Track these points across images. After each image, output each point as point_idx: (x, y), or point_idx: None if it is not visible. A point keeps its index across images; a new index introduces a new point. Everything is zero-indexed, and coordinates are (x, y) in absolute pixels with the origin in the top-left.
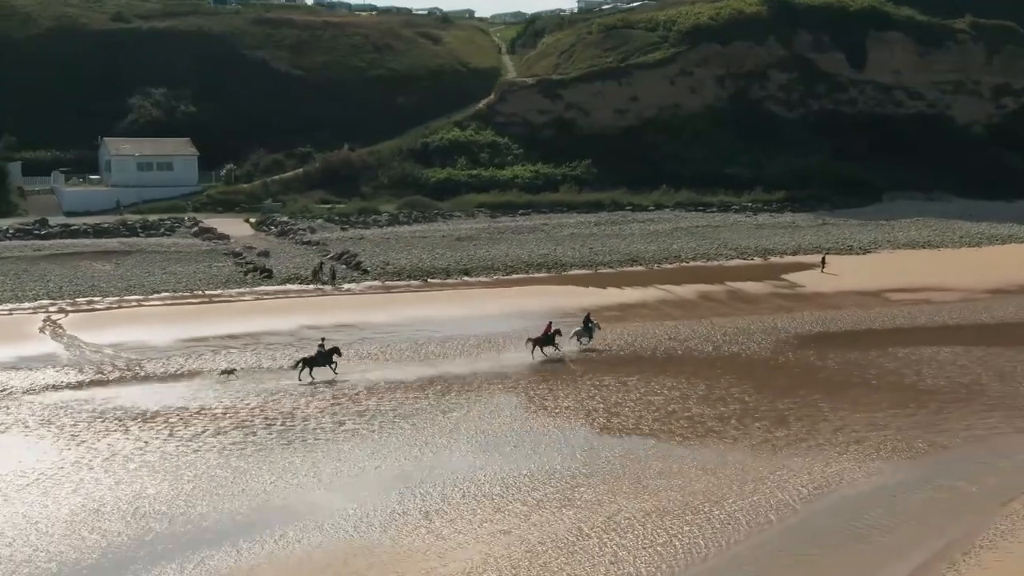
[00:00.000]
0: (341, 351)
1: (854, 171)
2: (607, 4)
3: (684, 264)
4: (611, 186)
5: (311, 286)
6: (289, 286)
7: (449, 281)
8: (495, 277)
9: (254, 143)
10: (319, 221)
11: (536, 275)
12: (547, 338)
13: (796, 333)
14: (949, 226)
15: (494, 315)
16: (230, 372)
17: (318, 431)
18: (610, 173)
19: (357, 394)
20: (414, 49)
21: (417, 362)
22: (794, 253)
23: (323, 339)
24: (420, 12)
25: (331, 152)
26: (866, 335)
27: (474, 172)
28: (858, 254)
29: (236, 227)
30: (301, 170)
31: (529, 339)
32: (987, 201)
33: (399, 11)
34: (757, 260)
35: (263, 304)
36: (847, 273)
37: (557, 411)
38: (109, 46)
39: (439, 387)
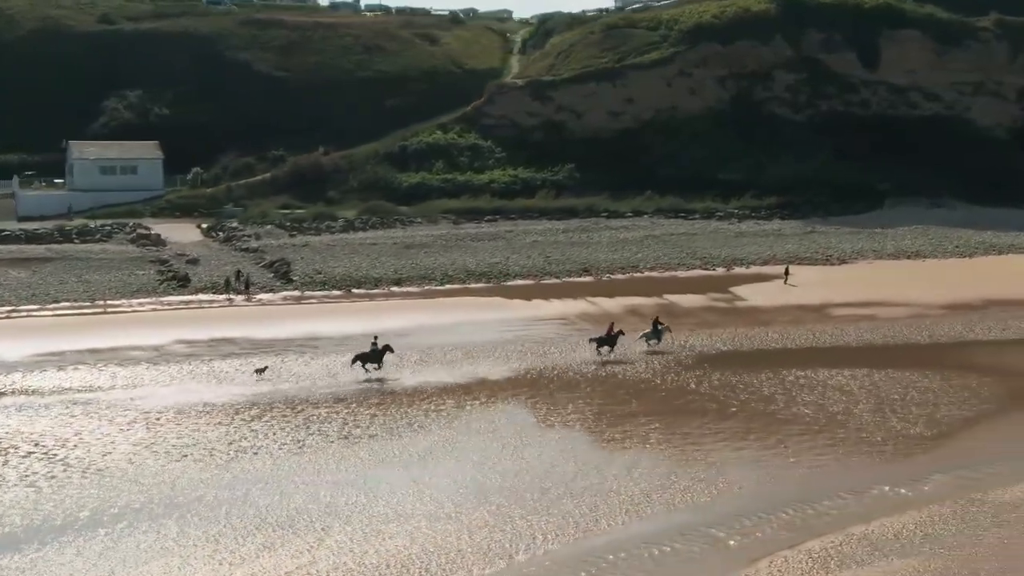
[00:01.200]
0: (393, 349)
1: (857, 176)
2: (638, 4)
3: (637, 275)
4: (593, 191)
5: (222, 296)
6: (201, 296)
7: (374, 292)
8: (426, 287)
9: (229, 146)
10: (268, 227)
11: (473, 285)
12: (609, 338)
13: (700, 352)
14: (948, 235)
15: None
16: (262, 370)
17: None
18: (596, 178)
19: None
20: (408, 50)
21: (242, 384)
22: (764, 263)
23: (376, 337)
24: (439, 12)
25: (301, 156)
26: (774, 355)
27: (449, 176)
28: (834, 264)
29: (185, 233)
30: (269, 174)
31: (591, 339)
32: (1001, 208)
33: (413, 11)
34: (719, 271)
35: (154, 316)
36: (808, 285)
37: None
38: (92, 48)
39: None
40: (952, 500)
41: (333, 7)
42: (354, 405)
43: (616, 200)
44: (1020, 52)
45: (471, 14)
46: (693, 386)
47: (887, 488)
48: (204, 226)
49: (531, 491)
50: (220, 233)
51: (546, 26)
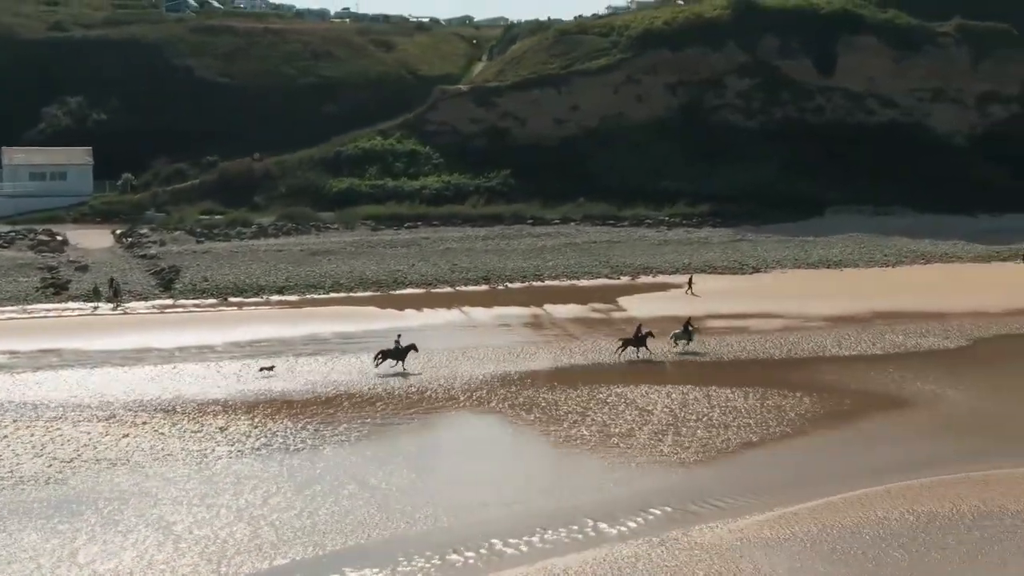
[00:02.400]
0: (417, 348)
1: (803, 184)
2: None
3: (537, 284)
4: (526, 198)
5: (90, 305)
6: (72, 304)
7: (251, 301)
8: (308, 296)
9: (165, 152)
10: (178, 233)
11: (360, 294)
12: (638, 339)
13: (523, 370)
14: (881, 243)
15: (225, 343)
16: (269, 368)
17: None
18: (532, 185)
19: None
20: (358, 57)
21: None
22: (674, 272)
23: (399, 335)
24: (399, 18)
25: (231, 161)
26: (605, 369)
27: (380, 182)
28: (747, 274)
29: (97, 239)
30: (197, 180)
31: (621, 339)
32: (951, 216)
33: (388, 18)
34: (623, 280)
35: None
36: (709, 295)
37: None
38: (38, 55)
39: None
40: (646, 538)
41: (298, 14)
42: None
43: (547, 207)
44: (982, 58)
45: (467, 21)
46: (494, 403)
47: (589, 522)
48: (118, 232)
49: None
50: (128, 239)
51: (511, 33)
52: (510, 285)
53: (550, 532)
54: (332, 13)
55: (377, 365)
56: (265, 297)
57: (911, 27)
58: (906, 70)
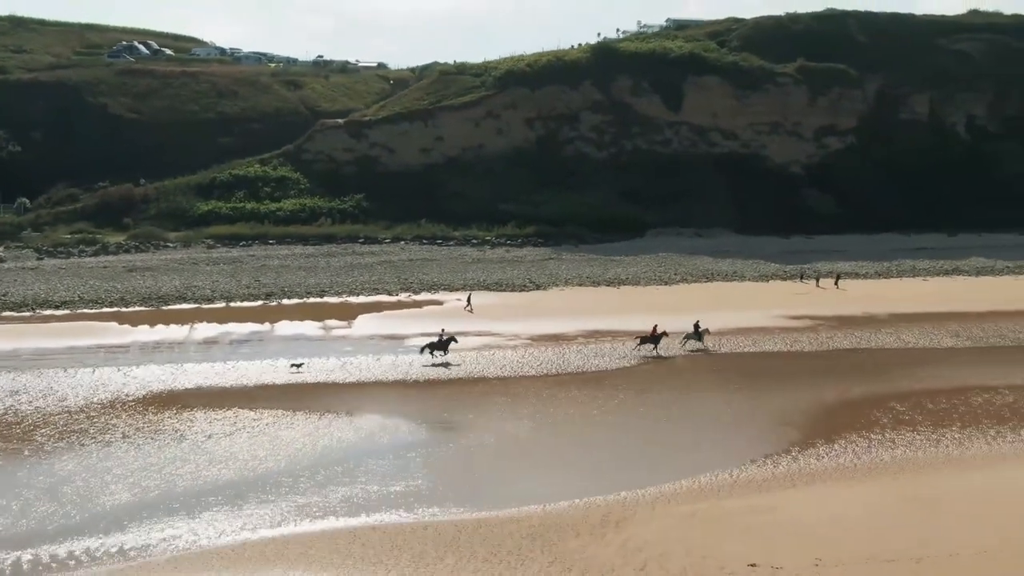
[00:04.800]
0: (456, 340)
1: (630, 208)
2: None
3: (314, 300)
4: (374, 219)
5: None
6: None
7: (22, 315)
8: (81, 311)
9: (70, 180)
10: (28, 251)
11: (128, 309)
12: (654, 338)
13: (159, 390)
14: (684, 262)
15: None
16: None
17: None
18: (383, 208)
19: None
20: (260, 95)
21: None
22: (461, 289)
23: (443, 329)
24: (368, 64)
25: (115, 186)
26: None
27: (240, 205)
28: (529, 291)
29: None
30: (80, 203)
31: (637, 336)
32: (764, 237)
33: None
34: (403, 296)
35: None
36: (480, 311)
37: None
38: None
39: None
40: None
41: (236, 59)
42: None
43: (389, 228)
44: (819, 95)
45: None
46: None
47: None
48: None
49: None
50: None
51: (422, 74)
52: (285, 302)
53: None
54: (275, 58)
55: (422, 354)
56: (36, 311)
57: (753, 68)
58: (747, 106)
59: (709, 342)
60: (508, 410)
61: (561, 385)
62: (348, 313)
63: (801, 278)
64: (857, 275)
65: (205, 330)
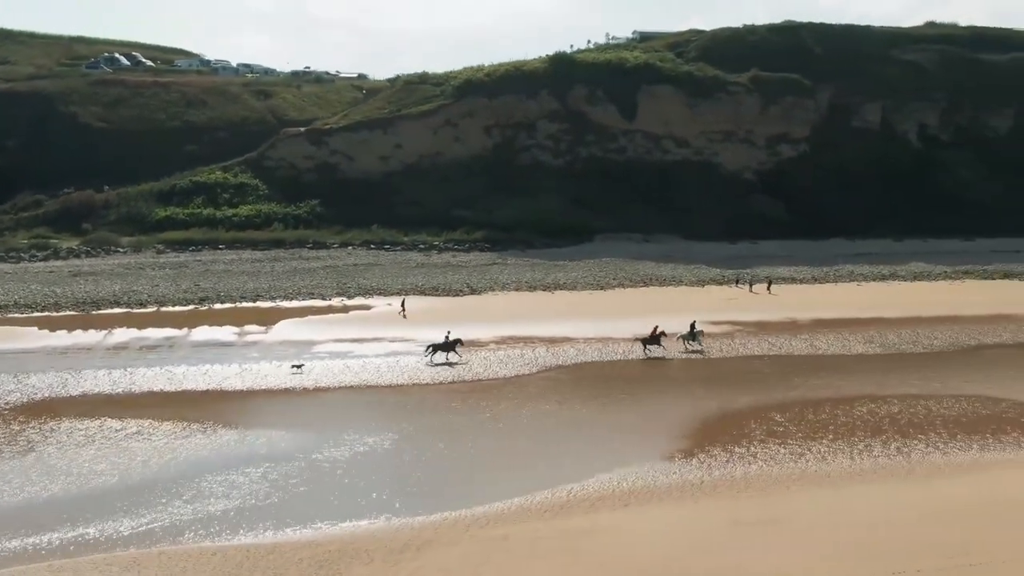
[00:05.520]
0: (463, 342)
1: (580, 214)
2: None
3: (245, 304)
4: (328, 224)
5: None
6: None
7: None
8: (9, 316)
9: (38, 186)
10: None
11: (57, 314)
12: (653, 338)
13: (42, 398)
14: (626, 266)
15: None
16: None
17: None
18: (337, 214)
19: None
20: (228, 105)
21: None
22: (396, 294)
23: (448, 331)
24: (350, 76)
25: (78, 192)
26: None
27: (198, 211)
28: (463, 296)
29: None
30: (43, 209)
31: (637, 338)
32: (709, 243)
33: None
34: (335, 301)
35: None
36: (413, 316)
37: None
38: None
39: None
40: None
41: (214, 70)
42: None
43: (341, 233)
44: (771, 104)
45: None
46: None
47: None
48: None
49: None
50: None
51: (394, 84)
52: (216, 306)
53: None
54: (255, 69)
55: (426, 355)
56: None
57: (706, 78)
58: (699, 115)
59: (667, 344)
60: (382, 422)
61: (451, 394)
62: (271, 318)
63: (736, 283)
64: (794, 280)
65: (120, 335)
